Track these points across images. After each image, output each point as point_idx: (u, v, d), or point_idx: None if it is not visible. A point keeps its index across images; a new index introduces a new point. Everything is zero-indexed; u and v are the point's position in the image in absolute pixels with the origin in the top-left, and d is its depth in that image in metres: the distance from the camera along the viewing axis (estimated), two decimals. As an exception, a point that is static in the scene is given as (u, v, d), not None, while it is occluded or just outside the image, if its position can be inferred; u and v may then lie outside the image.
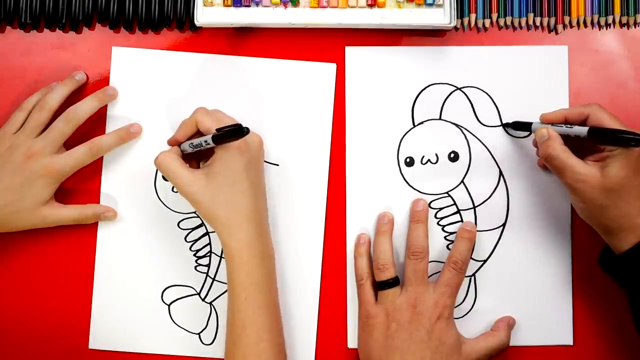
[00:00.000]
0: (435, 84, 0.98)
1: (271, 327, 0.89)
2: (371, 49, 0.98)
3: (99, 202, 0.98)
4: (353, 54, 0.98)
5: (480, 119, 0.97)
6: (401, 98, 0.98)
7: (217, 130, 0.86)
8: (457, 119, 0.97)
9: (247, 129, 0.84)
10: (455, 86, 0.97)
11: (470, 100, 0.97)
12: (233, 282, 0.89)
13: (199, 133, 0.91)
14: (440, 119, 0.97)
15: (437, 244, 0.97)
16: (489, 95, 0.97)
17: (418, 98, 0.97)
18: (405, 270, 0.93)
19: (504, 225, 0.97)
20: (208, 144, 0.87)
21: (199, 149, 0.89)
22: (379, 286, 0.93)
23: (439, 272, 0.95)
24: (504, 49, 0.98)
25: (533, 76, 0.97)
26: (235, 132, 0.84)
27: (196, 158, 0.95)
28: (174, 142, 0.93)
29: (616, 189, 0.84)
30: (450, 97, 0.97)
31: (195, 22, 0.97)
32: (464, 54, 0.98)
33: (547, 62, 0.97)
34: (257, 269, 0.89)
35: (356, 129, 0.98)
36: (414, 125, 0.98)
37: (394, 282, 0.92)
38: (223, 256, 0.96)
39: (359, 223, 0.97)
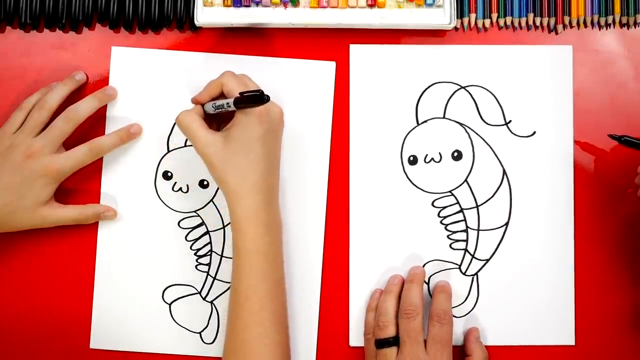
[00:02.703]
0: (439, 82, 0.98)
1: (274, 297, 0.90)
2: (375, 47, 0.98)
3: (99, 202, 0.98)
4: (357, 52, 0.98)
5: (484, 118, 0.97)
6: (405, 96, 0.98)
7: (239, 94, 0.86)
8: (461, 118, 0.97)
9: (268, 96, 0.84)
10: (459, 85, 0.98)
11: (474, 99, 0.97)
12: (238, 249, 0.89)
13: (223, 96, 0.91)
14: (444, 117, 0.98)
15: (439, 244, 0.97)
16: (493, 95, 0.97)
17: (422, 96, 0.98)
18: (400, 328, 0.93)
19: (506, 224, 0.97)
20: (229, 106, 0.87)
21: (220, 110, 0.89)
22: (378, 344, 0.93)
23: (441, 271, 0.96)
24: (509, 48, 0.98)
25: (537, 76, 0.98)
26: (256, 98, 0.84)
27: (217, 120, 0.94)
28: (196, 102, 0.93)
29: None
30: (454, 95, 0.97)
31: (195, 22, 0.96)
32: (469, 52, 0.98)
33: (551, 62, 0.98)
34: (263, 237, 0.89)
35: (360, 127, 0.98)
36: (418, 124, 0.98)
37: (393, 342, 0.92)
38: (224, 255, 0.96)
39: (361, 221, 0.97)
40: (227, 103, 0.87)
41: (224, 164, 0.88)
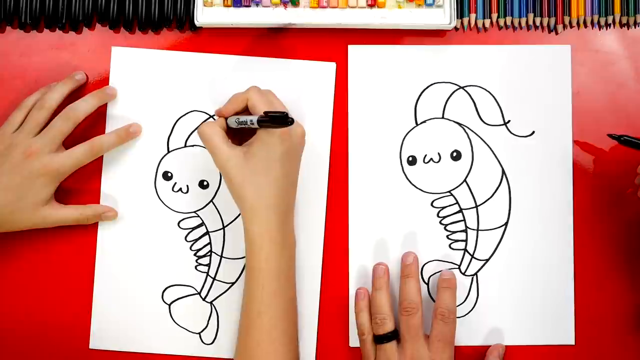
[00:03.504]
0: (438, 82, 0.98)
1: (286, 315, 0.90)
2: (374, 47, 0.98)
3: (99, 202, 0.98)
4: (356, 52, 0.98)
5: (483, 118, 0.97)
6: (404, 96, 0.98)
7: (264, 113, 0.86)
8: (460, 118, 0.97)
9: (292, 119, 0.84)
10: (458, 85, 0.98)
11: (473, 99, 0.97)
12: (251, 267, 0.89)
13: (247, 111, 0.91)
14: (443, 117, 0.97)
15: (439, 244, 0.97)
16: (492, 95, 0.97)
17: (421, 97, 0.98)
18: (400, 325, 0.93)
19: (506, 224, 0.97)
20: (253, 124, 0.87)
21: (243, 126, 0.89)
22: (377, 340, 0.93)
23: (440, 271, 0.96)
24: (507, 48, 0.98)
25: (536, 75, 0.98)
26: (280, 119, 0.84)
27: (239, 134, 0.94)
28: (220, 114, 0.93)
29: None
30: (453, 95, 0.97)
31: (195, 22, 0.96)
32: (468, 52, 0.98)
33: (550, 62, 0.98)
34: (277, 256, 0.89)
35: (359, 127, 0.98)
36: (417, 124, 0.98)
37: (392, 336, 0.93)
38: (224, 256, 0.97)
39: (361, 221, 0.97)
40: (251, 120, 0.87)
41: (242, 180, 0.89)
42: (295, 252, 0.94)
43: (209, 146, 0.90)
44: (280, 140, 0.88)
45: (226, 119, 0.92)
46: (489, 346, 0.96)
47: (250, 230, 0.89)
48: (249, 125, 0.88)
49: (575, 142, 0.97)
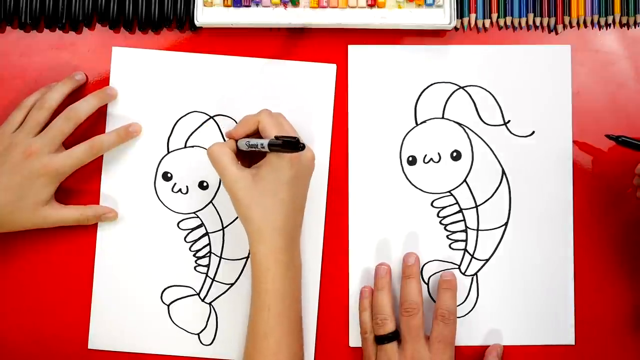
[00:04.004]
0: (438, 82, 0.98)
1: (291, 337, 0.90)
2: (374, 47, 0.98)
3: (98, 203, 0.98)
4: (356, 52, 0.98)
5: (483, 118, 0.97)
6: (404, 97, 0.98)
7: (275, 137, 0.86)
8: (460, 118, 0.97)
9: (303, 145, 0.84)
10: (458, 85, 0.97)
11: (473, 99, 0.97)
12: (258, 289, 0.89)
13: (257, 134, 0.92)
14: (443, 117, 0.97)
15: (439, 244, 0.97)
16: (491, 94, 0.97)
17: (421, 97, 0.98)
18: (400, 326, 0.93)
19: (506, 224, 0.97)
20: (263, 147, 0.87)
21: (253, 149, 0.89)
22: (378, 340, 0.94)
23: (440, 271, 0.96)
24: (507, 48, 0.98)
25: (536, 75, 0.98)
26: (291, 145, 0.84)
27: (248, 156, 0.94)
28: (230, 136, 0.93)
29: None
30: (453, 95, 0.97)
31: (195, 22, 0.96)
32: (467, 52, 0.98)
33: (550, 62, 0.98)
34: (282, 278, 0.89)
35: (359, 127, 0.98)
36: (417, 124, 0.98)
37: (393, 336, 0.93)
38: (223, 256, 0.97)
39: (361, 221, 0.97)
40: (262, 144, 0.87)
41: (250, 202, 0.89)
42: (301, 274, 0.94)
43: (217, 167, 0.90)
44: (290, 165, 0.88)
45: (236, 141, 0.93)
46: (489, 346, 0.96)
47: (257, 252, 0.89)
48: (260, 148, 0.88)
49: (575, 142, 0.97)
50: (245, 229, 0.90)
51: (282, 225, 0.89)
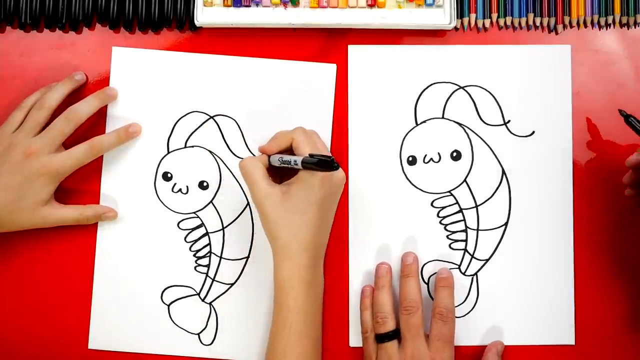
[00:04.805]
0: (438, 82, 0.98)
1: (312, 356, 0.90)
2: (374, 47, 0.98)
3: (98, 202, 0.98)
4: (356, 52, 0.98)
5: (483, 118, 0.97)
6: (404, 97, 0.98)
7: (309, 155, 0.85)
8: (460, 118, 0.97)
9: (337, 165, 0.83)
10: (458, 85, 0.97)
11: (473, 99, 0.97)
12: (280, 306, 0.89)
13: (290, 150, 0.92)
14: (443, 117, 0.97)
15: (439, 244, 0.97)
16: (492, 94, 0.97)
17: (421, 97, 0.98)
18: (400, 325, 0.93)
19: (506, 224, 0.97)
20: (297, 164, 0.87)
21: (286, 166, 0.90)
22: (379, 339, 0.94)
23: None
24: (507, 48, 0.98)
25: (536, 75, 0.98)
26: (325, 164, 0.83)
27: (279, 172, 0.94)
28: (263, 151, 0.94)
29: None
30: (453, 95, 0.97)
31: (195, 22, 0.97)
32: (467, 52, 0.98)
33: (550, 62, 0.98)
34: (305, 296, 0.89)
35: (359, 127, 0.98)
36: (417, 124, 0.98)
37: (393, 335, 0.93)
38: (223, 257, 0.97)
39: (361, 221, 0.97)
40: (295, 161, 0.87)
41: (277, 219, 0.89)
42: (323, 292, 0.94)
43: (248, 181, 0.90)
44: (321, 184, 0.88)
45: (269, 156, 0.93)
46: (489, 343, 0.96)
47: (281, 269, 0.89)
48: (292, 165, 0.88)
49: (575, 142, 0.97)
50: (271, 245, 0.90)
51: (309, 243, 0.89)
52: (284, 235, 0.89)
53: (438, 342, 0.92)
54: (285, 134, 0.92)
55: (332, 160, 0.83)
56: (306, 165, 0.85)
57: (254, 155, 0.97)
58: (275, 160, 0.91)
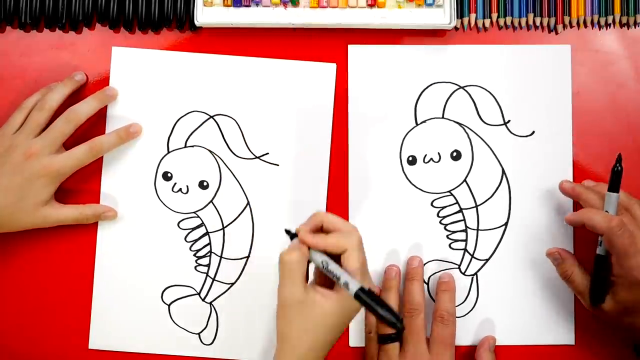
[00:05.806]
0: (438, 82, 0.98)
1: None
2: (374, 47, 0.98)
3: (99, 202, 0.98)
4: (356, 52, 0.98)
5: (483, 118, 0.97)
6: (404, 96, 0.98)
7: (365, 290, 0.78)
8: (460, 118, 0.97)
9: (404, 327, 0.77)
10: (458, 85, 0.97)
11: (473, 99, 0.97)
12: None
13: (338, 260, 0.82)
14: (443, 117, 0.97)
15: (439, 244, 0.97)
16: (492, 94, 0.97)
17: (421, 96, 0.98)
18: None
19: (506, 224, 0.97)
20: (346, 287, 0.78)
21: (328, 275, 0.81)
22: (381, 340, 0.93)
23: (440, 271, 0.97)
24: (507, 48, 0.98)
25: (536, 75, 0.98)
26: (390, 321, 0.76)
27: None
28: (304, 242, 0.82)
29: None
30: (453, 95, 0.97)
31: (195, 22, 0.96)
32: (467, 52, 0.98)
33: (550, 61, 0.98)
34: None
35: (359, 127, 0.98)
36: (417, 124, 0.98)
37: (396, 337, 0.93)
38: (223, 256, 0.97)
39: (361, 221, 0.97)
40: (346, 283, 0.78)
41: (291, 322, 0.82)
42: None
43: (282, 274, 0.81)
44: (351, 314, 0.83)
45: (309, 248, 0.82)
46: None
47: None
48: (340, 284, 0.79)
49: (575, 142, 0.97)
50: (277, 341, 0.84)
51: (314, 350, 0.83)
52: (294, 339, 0.82)
53: (438, 345, 0.92)
54: (339, 238, 0.82)
55: (401, 321, 0.76)
56: (360, 300, 0.77)
57: (253, 154, 0.97)
58: (319, 262, 0.81)
